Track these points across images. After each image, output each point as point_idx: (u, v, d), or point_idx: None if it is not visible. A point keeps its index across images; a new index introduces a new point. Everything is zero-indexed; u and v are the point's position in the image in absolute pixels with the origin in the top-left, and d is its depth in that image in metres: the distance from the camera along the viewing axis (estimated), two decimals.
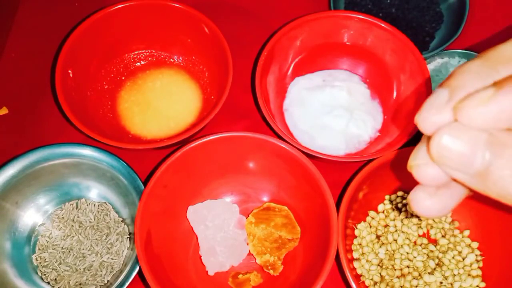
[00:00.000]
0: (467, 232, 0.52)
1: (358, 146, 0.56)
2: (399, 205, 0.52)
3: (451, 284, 0.49)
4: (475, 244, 0.51)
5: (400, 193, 0.53)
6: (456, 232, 0.52)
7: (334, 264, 0.51)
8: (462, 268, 0.49)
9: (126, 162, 0.50)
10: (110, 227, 0.51)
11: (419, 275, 0.49)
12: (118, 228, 0.51)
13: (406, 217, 0.51)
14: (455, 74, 0.19)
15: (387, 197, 0.53)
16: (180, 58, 0.60)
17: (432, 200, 0.20)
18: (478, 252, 0.50)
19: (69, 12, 0.63)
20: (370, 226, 0.52)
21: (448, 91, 0.18)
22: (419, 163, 0.20)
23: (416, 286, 0.48)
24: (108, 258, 0.50)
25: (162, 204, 0.48)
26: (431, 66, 0.59)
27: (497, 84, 0.17)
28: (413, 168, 0.20)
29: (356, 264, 0.49)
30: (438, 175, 0.19)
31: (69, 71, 0.52)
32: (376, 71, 0.59)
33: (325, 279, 0.42)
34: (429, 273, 0.49)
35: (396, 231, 0.51)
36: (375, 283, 0.48)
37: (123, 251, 0.50)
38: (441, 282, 0.49)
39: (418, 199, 0.21)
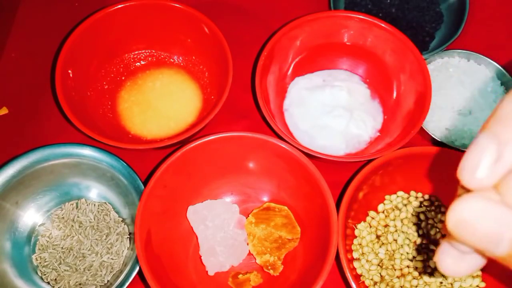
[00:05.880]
0: None
1: (358, 146, 0.56)
2: (399, 205, 0.52)
3: (451, 284, 0.49)
4: None
5: (400, 193, 0.53)
6: None
7: (334, 264, 0.51)
8: None
9: (126, 162, 0.50)
10: (110, 227, 0.51)
11: (419, 275, 0.49)
12: (118, 228, 0.51)
13: (406, 217, 0.52)
14: (504, 118, 0.15)
15: (387, 197, 0.53)
16: (180, 58, 0.60)
17: (460, 265, 0.19)
18: None
19: (69, 12, 0.63)
20: (370, 226, 0.52)
21: (496, 145, 0.15)
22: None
23: (416, 286, 0.48)
24: (108, 258, 0.50)
25: (162, 204, 0.48)
26: (431, 66, 0.59)
27: None
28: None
29: (356, 264, 0.49)
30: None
31: (69, 71, 0.52)
32: (376, 71, 0.59)
33: (325, 279, 0.42)
34: (429, 273, 0.49)
35: (396, 231, 0.51)
36: (375, 283, 0.48)
37: (123, 251, 0.50)
38: (441, 282, 0.49)
39: (445, 264, 0.19)
